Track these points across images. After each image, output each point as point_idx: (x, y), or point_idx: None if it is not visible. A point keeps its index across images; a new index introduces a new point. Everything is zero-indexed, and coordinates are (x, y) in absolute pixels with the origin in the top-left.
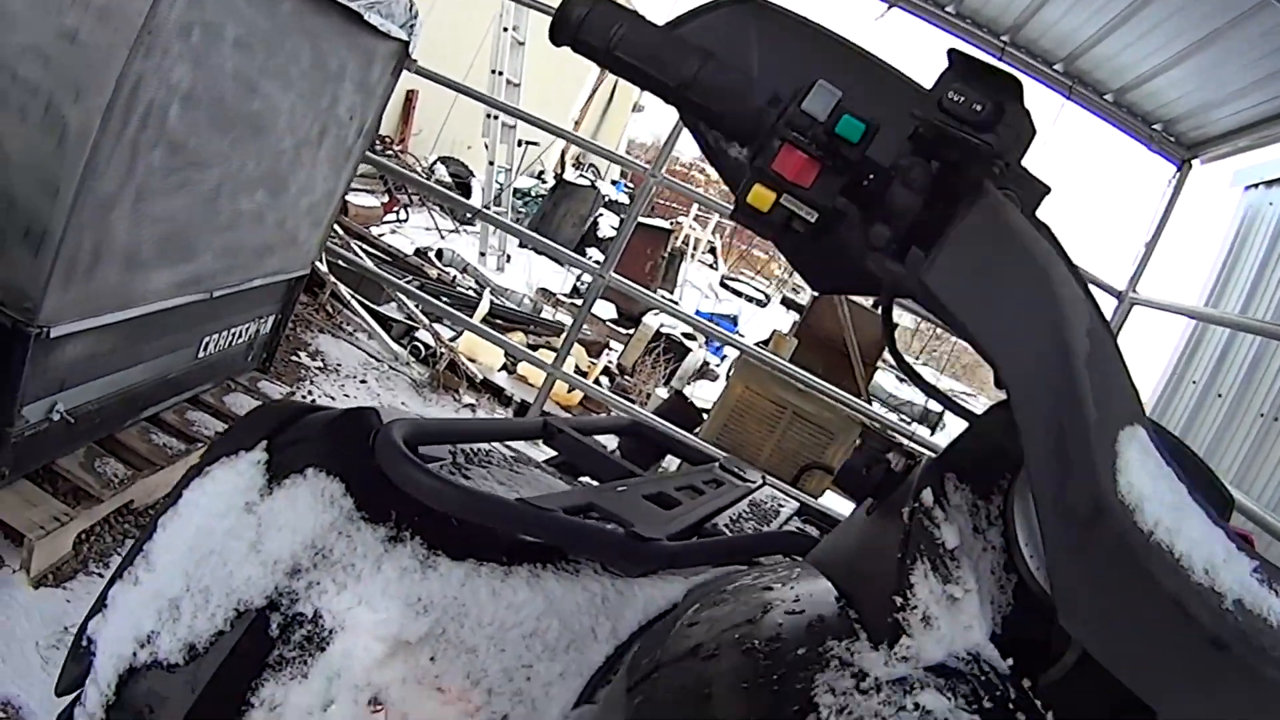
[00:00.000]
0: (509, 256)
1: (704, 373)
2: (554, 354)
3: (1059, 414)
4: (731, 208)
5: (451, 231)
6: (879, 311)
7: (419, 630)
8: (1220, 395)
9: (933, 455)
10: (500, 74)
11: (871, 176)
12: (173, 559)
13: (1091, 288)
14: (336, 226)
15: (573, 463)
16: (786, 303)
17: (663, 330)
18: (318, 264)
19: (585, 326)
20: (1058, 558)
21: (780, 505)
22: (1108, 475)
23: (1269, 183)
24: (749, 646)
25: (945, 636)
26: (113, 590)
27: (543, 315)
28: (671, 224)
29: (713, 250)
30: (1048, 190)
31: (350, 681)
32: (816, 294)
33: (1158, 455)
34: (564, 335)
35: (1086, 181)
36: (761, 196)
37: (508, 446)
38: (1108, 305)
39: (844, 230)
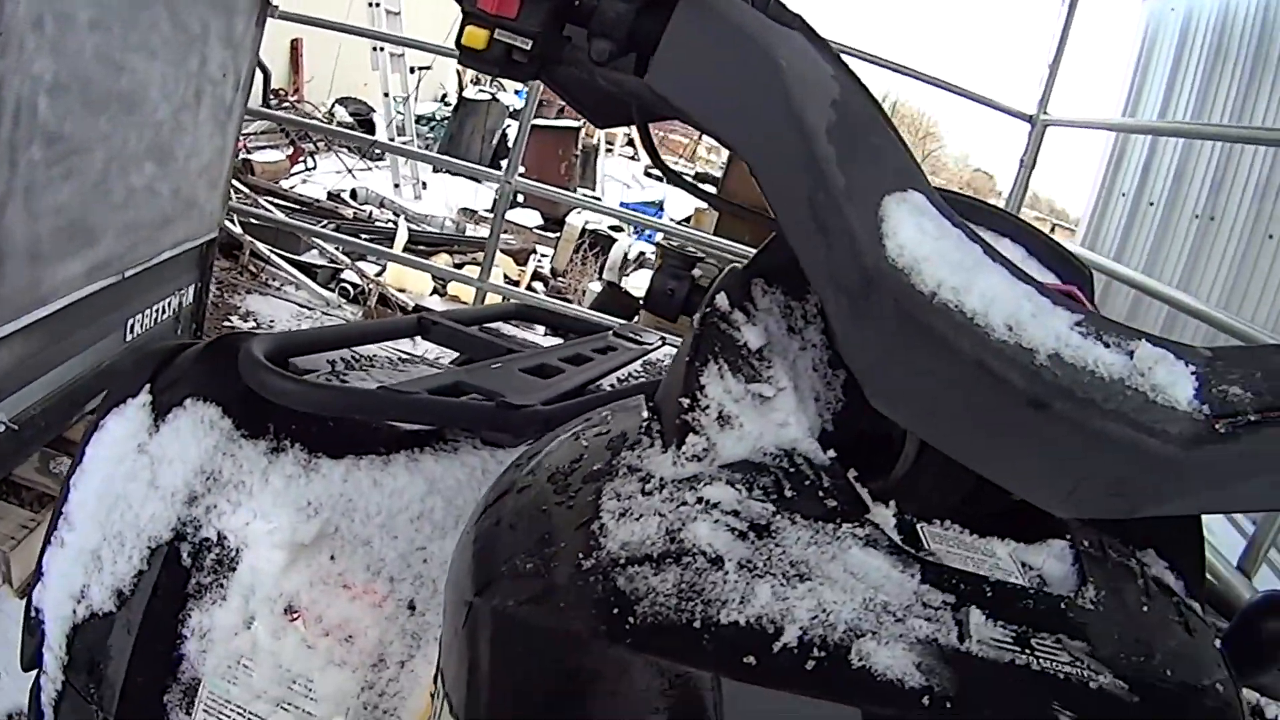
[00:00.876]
0: (424, 184)
1: (641, 263)
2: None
3: (805, 188)
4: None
5: (363, 170)
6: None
7: (311, 531)
8: (1152, 203)
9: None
10: (377, 5)
11: None
12: (87, 513)
13: (1003, 116)
14: (244, 186)
15: (462, 354)
16: (701, 178)
17: (588, 227)
18: (229, 225)
19: (508, 236)
20: (843, 335)
21: None
22: (872, 241)
23: None
24: (552, 472)
25: (750, 434)
26: (45, 557)
27: (467, 234)
28: (580, 122)
29: (631, 142)
30: None
31: (264, 594)
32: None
33: (939, 218)
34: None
35: (986, 18)
36: (474, 35)
37: (396, 350)
38: (1020, 131)
39: (573, 55)
